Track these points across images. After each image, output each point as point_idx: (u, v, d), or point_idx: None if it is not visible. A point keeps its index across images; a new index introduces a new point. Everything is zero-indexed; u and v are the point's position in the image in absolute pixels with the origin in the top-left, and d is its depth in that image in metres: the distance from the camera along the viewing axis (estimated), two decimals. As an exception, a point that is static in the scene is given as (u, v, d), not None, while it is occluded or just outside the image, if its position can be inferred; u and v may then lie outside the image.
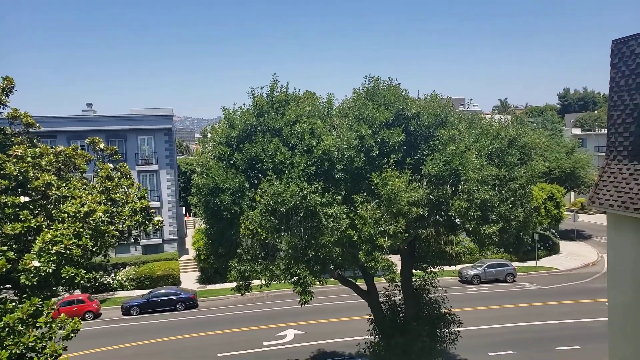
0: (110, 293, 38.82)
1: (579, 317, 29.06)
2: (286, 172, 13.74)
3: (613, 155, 11.65)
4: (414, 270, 19.19)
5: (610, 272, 11.86)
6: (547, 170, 46.50)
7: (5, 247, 11.17)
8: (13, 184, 12.21)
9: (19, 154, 12.82)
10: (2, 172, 11.97)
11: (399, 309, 19.01)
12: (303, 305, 14.76)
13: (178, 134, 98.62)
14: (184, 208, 56.71)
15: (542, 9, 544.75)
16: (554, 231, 49.16)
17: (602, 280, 35.62)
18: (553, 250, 46.91)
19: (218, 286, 39.42)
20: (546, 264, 43.50)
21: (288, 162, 13.91)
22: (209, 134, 16.99)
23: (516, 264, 41.36)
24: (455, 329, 18.81)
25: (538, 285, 37.74)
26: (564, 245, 48.86)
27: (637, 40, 11.19)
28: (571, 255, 46.28)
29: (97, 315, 34.07)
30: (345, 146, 13.71)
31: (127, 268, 40.26)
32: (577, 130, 76.57)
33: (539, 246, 43.93)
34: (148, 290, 36.81)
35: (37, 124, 15.03)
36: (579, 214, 54.26)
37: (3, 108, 13.98)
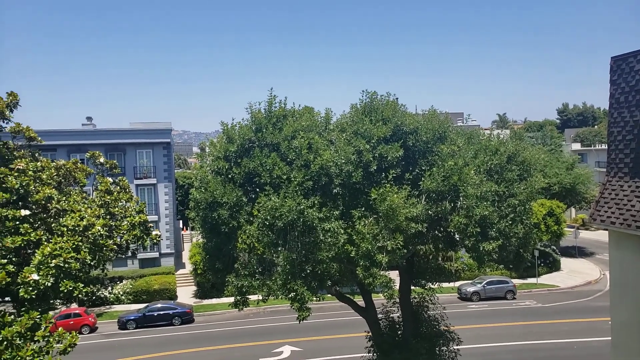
0: (107, 307, 38.59)
1: (581, 336, 28.79)
2: (283, 186, 13.75)
3: (614, 172, 11.64)
4: (412, 287, 19.07)
5: (613, 291, 11.76)
6: (547, 185, 46.50)
7: (5, 260, 11.18)
8: (14, 197, 12.24)
9: (21, 167, 12.90)
10: (3, 185, 12.01)
11: (398, 326, 18.85)
12: (300, 322, 14.66)
13: (176, 148, 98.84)
14: (181, 222, 56.60)
15: (541, 24, 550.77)
16: (554, 248, 48.94)
17: (604, 299, 35.41)
18: (554, 267, 46.66)
19: (214, 301, 39.18)
20: (547, 281, 43.24)
21: (285, 176, 13.93)
22: (207, 148, 17.05)
23: (516, 281, 41.11)
24: (455, 347, 18.62)
25: (539, 303, 37.47)
26: (565, 262, 48.60)
27: (637, 57, 11.25)
28: (572, 273, 46.01)
29: (93, 329, 33.82)
30: (343, 161, 13.72)
31: (124, 282, 40.07)
32: (577, 146, 76.76)
33: (539, 263, 43.73)
34: (144, 305, 36.58)
35: (39, 138, 15.13)
36: (580, 231, 54.04)
37: (7, 122, 14.13)
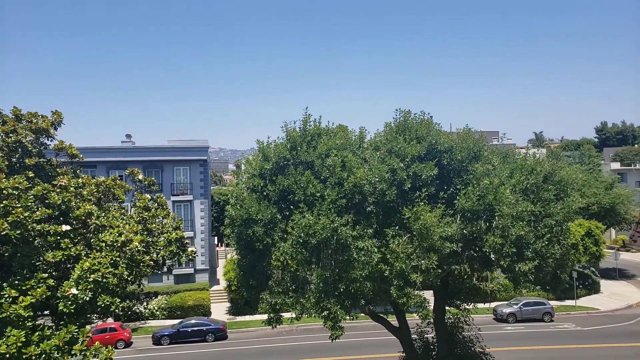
0: (142, 322, 39.10)
1: (624, 362, 27.51)
2: (317, 204, 13.80)
3: (656, 192, 11.24)
4: (447, 307, 18.72)
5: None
6: (585, 205, 44.94)
7: (46, 275, 11.48)
8: (56, 213, 12.65)
9: (63, 184, 13.34)
10: (47, 201, 12.43)
11: (432, 347, 18.49)
12: (333, 341, 14.55)
13: (212, 165, 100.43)
14: (216, 238, 57.23)
15: (578, 40, 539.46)
16: (593, 269, 47.15)
17: (647, 323, 33.76)
18: (593, 289, 44.88)
19: (248, 318, 39.24)
20: (586, 304, 41.57)
21: (319, 194, 13.99)
22: (243, 165, 17.30)
23: (554, 303, 39.71)
24: (490, 370, 18.12)
25: (578, 326, 36.02)
26: (604, 284, 46.73)
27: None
28: (613, 295, 44.17)
29: (128, 344, 34.26)
30: (377, 179, 13.72)
31: (159, 297, 40.57)
32: (616, 165, 74.20)
33: (578, 284, 42.14)
34: (179, 320, 36.92)
35: (81, 155, 15.66)
36: (620, 252, 51.91)
37: (51, 140, 14.69)
